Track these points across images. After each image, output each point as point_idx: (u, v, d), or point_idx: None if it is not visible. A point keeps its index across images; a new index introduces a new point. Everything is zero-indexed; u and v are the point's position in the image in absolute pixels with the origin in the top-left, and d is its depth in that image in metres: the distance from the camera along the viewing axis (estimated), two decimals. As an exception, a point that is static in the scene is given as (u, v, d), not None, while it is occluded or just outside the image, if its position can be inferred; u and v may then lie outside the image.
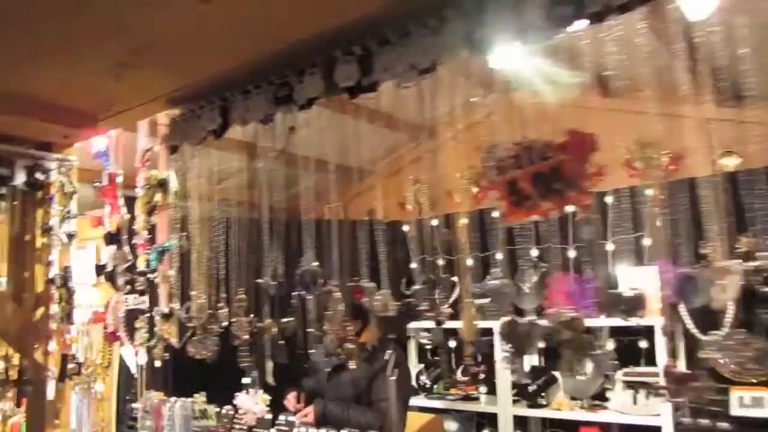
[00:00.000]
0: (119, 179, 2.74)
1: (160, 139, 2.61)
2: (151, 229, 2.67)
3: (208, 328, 2.43)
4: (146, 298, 2.57)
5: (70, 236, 2.81)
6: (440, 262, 1.90)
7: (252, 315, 2.53)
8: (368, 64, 1.96)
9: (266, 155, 2.42)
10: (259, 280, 2.42)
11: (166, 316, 2.41)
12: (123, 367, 4.67)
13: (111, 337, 2.69)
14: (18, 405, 2.59)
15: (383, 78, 1.94)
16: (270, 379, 2.58)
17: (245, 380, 3.78)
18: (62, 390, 2.76)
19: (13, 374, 2.61)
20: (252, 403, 3.50)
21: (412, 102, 3.47)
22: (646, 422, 4.16)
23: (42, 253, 2.77)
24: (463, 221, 1.89)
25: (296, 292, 2.22)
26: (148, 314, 2.53)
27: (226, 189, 2.67)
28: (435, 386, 5.40)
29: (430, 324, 3.64)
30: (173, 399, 3.57)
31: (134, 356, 2.66)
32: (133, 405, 4.50)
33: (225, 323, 2.47)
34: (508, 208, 1.60)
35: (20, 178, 2.67)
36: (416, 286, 1.87)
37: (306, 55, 2.05)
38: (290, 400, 3.63)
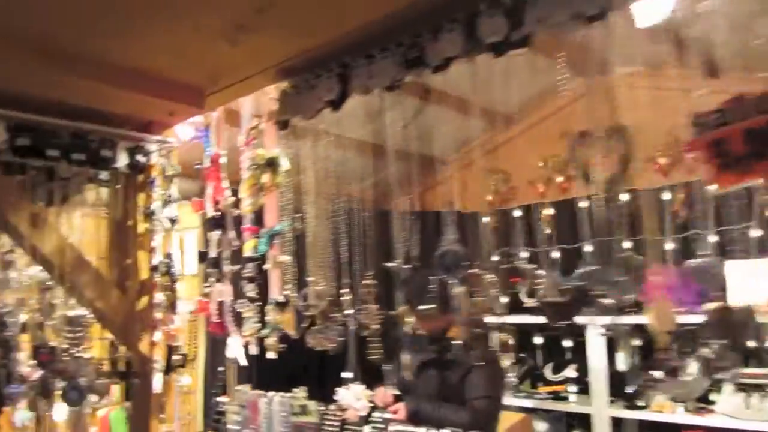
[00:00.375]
0: (222, 160, 2.58)
1: (266, 116, 2.43)
2: (258, 213, 2.49)
3: (330, 317, 2.23)
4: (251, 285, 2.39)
5: (173, 221, 2.67)
6: (626, 243, 1.63)
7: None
8: (518, 15, 1.71)
9: (394, 125, 2.20)
10: (389, 264, 2.21)
11: (281, 305, 2.23)
12: (208, 360, 4.57)
13: (216, 328, 2.54)
14: (127, 398, 2.46)
15: (537, 30, 1.69)
16: (408, 374, 2.36)
17: (345, 374, 3.60)
18: (168, 383, 2.62)
19: (120, 366, 2.49)
20: (353, 398, 3.32)
21: (490, 86, 3.21)
22: (761, 428, 3.76)
23: (144, 239, 2.64)
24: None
25: (435, 277, 1.98)
26: (258, 303, 2.36)
27: (346, 163, 2.45)
28: (522, 384, 5.13)
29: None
30: (271, 394, 3.42)
31: (242, 348, 2.49)
32: (219, 399, 4.40)
33: (348, 311, 2.27)
34: (714, 173, 1.33)
35: (122, 161, 2.54)
36: (590, 267, 1.61)
37: (442, 9, 1.82)
38: (379, 396, 3.42)
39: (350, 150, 2.67)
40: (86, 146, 2.44)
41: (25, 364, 2.47)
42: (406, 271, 2.18)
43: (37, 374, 2.36)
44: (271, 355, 2.32)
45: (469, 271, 1.87)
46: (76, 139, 2.42)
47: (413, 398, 3.27)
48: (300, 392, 3.34)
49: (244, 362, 2.50)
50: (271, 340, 2.30)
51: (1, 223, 2.28)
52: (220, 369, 4.56)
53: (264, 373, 3.78)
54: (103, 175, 2.77)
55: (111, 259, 2.59)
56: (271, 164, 2.36)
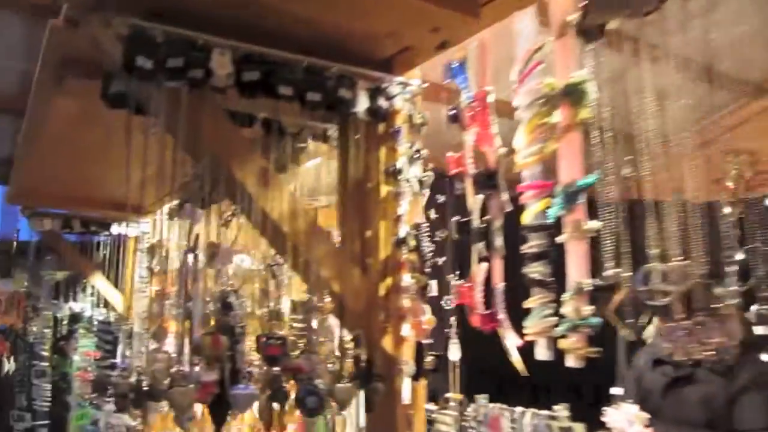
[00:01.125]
0: (491, 98, 1.94)
1: (558, 31, 1.74)
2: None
3: (697, 309, 1.47)
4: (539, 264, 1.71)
5: (422, 182, 2.08)
6: None
7: None
8: None
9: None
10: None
11: (598, 291, 1.53)
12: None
13: (483, 322, 1.90)
14: (369, 409, 1.89)
15: None
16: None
17: (615, 390, 2.84)
18: (417, 391, 2.02)
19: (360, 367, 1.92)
20: (626, 421, 2.57)
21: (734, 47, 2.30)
22: None
23: (388, 205, 2.07)
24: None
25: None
26: (551, 287, 1.67)
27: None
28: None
29: None
30: (518, 409, 2.76)
31: (516, 350, 1.83)
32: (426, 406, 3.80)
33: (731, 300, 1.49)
34: None
35: (362, 104, 1.99)
36: None
37: None
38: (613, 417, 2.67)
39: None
40: (322, 84, 1.91)
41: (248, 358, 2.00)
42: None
43: (264, 372, 1.86)
44: (571, 362, 1.62)
45: None
46: (311, 75, 1.90)
47: (661, 423, 2.59)
48: (561, 410, 2.63)
49: (524, 370, 1.82)
50: (571, 341, 1.60)
51: (228, 180, 1.81)
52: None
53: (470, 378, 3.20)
54: (332, 131, 2.27)
55: (347, 230, 2.04)
56: (572, 94, 1.66)
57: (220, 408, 1.72)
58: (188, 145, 1.81)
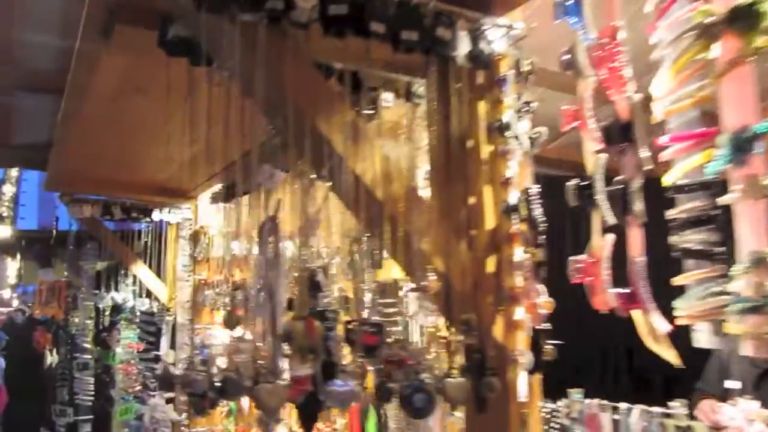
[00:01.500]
0: (622, 34, 1.61)
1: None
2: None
3: None
4: (707, 231, 1.38)
5: (533, 140, 1.76)
6: None
7: None
8: None
9: None
10: None
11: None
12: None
13: (621, 302, 1.58)
14: (481, 408, 1.58)
15: None
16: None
17: (730, 384, 2.50)
18: (533, 387, 1.71)
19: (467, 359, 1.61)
20: (743, 420, 2.25)
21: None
22: None
23: (493, 167, 1.75)
24: None
25: None
26: (718, 258, 1.35)
27: None
28: None
29: None
30: (623, 406, 2.44)
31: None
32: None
33: None
34: None
35: (463, 47, 1.68)
36: None
37: None
38: (705, 410, 2.42)
39: None
40: (418, 22, 1.60)
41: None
42: None
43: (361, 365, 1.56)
44: (750, 350, 1.29)
45: None
46: (405, 12, 1.59)
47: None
48: (679, 406, 2.30)
49: (678, 361, 1.50)
50: (750, 325, 1.28)
51: (313, 135, 1.51)
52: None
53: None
54: (417, 86, 1.96)
55: (448, 197, 1.73)
56: (740, 18, 1.33)
57: (312, 408, 1.43)
58: (265, 94, 1.52)
